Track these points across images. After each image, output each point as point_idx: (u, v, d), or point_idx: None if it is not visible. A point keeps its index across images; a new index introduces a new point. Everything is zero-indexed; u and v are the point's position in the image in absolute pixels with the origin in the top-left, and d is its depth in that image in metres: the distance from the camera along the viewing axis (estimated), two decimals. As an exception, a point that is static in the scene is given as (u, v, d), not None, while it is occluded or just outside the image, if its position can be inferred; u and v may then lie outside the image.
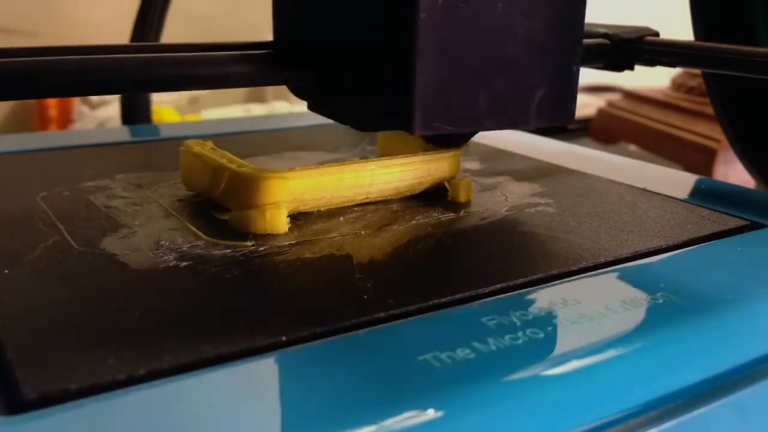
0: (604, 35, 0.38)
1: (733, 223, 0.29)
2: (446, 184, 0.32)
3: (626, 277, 0.24)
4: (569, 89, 0.23)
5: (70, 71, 0.23)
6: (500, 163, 0.39)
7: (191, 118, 0.95)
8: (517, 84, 0.22)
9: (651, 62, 0.37)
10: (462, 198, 0.32)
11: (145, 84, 0.26)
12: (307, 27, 0.26)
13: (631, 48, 0.37)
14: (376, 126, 0.24)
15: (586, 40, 0.38)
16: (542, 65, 0.22)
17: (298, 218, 0.29)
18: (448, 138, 0.27)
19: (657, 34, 0.38)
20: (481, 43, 0.21)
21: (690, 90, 0.92)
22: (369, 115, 0.24)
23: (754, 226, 0.29)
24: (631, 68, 0.38)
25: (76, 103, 0.96)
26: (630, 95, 1.01)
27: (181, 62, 0.25)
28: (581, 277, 0.24)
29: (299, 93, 0.27)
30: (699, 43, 0.37)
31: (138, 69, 0.24)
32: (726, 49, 0.34)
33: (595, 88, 1.32)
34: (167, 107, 0.92)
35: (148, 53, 0.25)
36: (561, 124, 0.23)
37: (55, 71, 0.23)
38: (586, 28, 0.41)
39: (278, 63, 0.26)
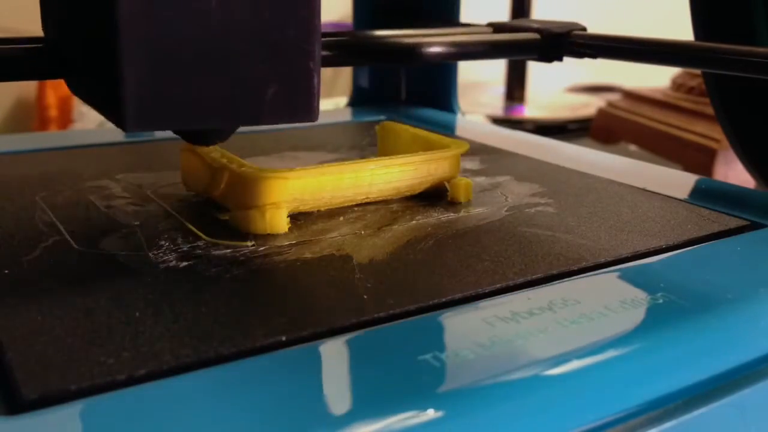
0: (537, 30, 0.41)
1: (733, 223, 0.29)
2: (446, 184, 0.32)
3: (626, 277, 0.24)
4: (307, 86, 0.22)
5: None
6: (500, 163, 0.39)
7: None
8: (244, 80, 0.21)
9: (578, 54, 0.40)
10: (462, 198, 0.32)
11: None
12: (54, 22, 0.26)
13: (560, 41, 0.40)
14: (117, 125, 0.24)
15: (519, 35, 0.41)
16: (272, 62, 0.21)
17: (298, 218, 0.29)
18: (203, 135, 0.26)
19: (584, 29, 0.41)
20: (196, 38, 0.20)
21: (690, 90, 0.92)
22: (108, 113, 0.23)
23: (754, 226, 0.29)
24: (560, 59, 0.41)
25: (76, 103, 0.96)
26: (630, 95, 1.01)
27: None
28: (581, 277, 0.24)
29: (70, 88, 0.28)
30: (622, 36, 0.39)
31: None
32: (648, 41, 0.37)
33: (595, 88, 1.32)
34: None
35: None
36: (302, 121, 0.22)
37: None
38: (520, 24, 0.42)
39: (42, 58, 0.27)
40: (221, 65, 0.21)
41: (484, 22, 0.46)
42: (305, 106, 0.22)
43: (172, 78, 0.20)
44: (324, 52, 0.34)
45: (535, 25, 0.42)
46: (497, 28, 0.43)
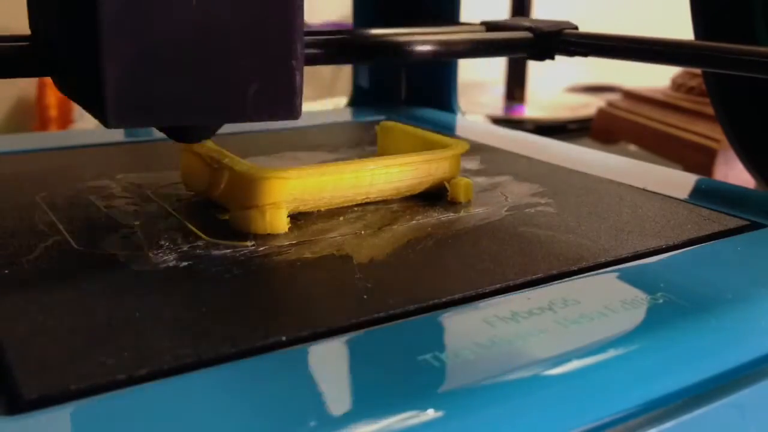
0: (528, 29, 0.41)
1: (733, 223, 0.29)
2: (446, 184, 0.32)
3: (626, 277, 0.24)
4: (289, 84, 0.22)
5: None
6: (500, 163, 0.39)
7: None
8: (226, 78, 0.21)
9: (569, 53, 0.40)
10: (462, 198, 0.32)
11: None
12: (43, 21, 0.26)
13: (551, 40, 0.41)
14: (99, 120, 0.24)
15: (511, 33, 0.41)
16: (253, 59, 0.21)
17: (298, 218, 0.29)
18: (187, 131, 0.26)
19: (576, 28, 0.41)
20: (178, 35, 0.20)
21: (690, 90, 0.92)
22: (92, 109, 0.23)
23: (754, 226, 0.29)
24: (552, 58, 0.41)
25: (76, 103, 0.96)
26: (630, 95, 1.01)
27: None
28: (581, 277, 0.24)
29: (57, 86, 0.28)
30: (608, 34, 0.39)
31: None
32: (642, 40, 0.37)
33: (595, 88, 1.32)
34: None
35: None
36: (284, 119, 0.22)
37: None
38: (513, 23, 0.42)
39: (29, 56, 0.27)
40: (202, 63, 0.21)
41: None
42: (287, 104, 0.22)
43: (153, 75, 0.20)
44: (311, 50, 0.34)
45: (527, 24, 0.42)
46: (490, 26, 0.43)
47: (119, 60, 0.20)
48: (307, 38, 0.34)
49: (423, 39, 0.38)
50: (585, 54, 0.40)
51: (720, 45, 0.34)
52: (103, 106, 0.20)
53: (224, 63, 0.21)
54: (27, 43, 0.27)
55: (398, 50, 0.37)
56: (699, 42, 0.37)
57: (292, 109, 0.22)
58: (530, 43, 0.41)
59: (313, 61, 0.35)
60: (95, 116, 0.22)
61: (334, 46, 0.36)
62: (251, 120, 0.22)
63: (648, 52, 0.37)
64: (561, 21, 0.42)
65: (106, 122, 0.20)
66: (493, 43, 0.41)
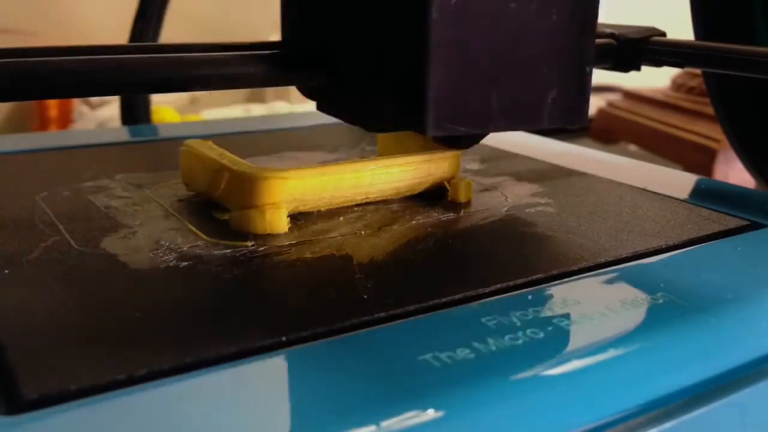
0: (611, 35, 0.38)
1: (733, 223, 0.29)
2: (446, 184, 0.32)
3: (626, 277, 0.24)
4: (582, 90, 0.23)
5: (80, 71, 0.23)
6: (500, 163, 0.39)
7: (191, 118, 0.95)
8: (530, 84, 0.22)
9: (657, 62, 0.37)
10: (462, 198, 0.32)
11: (150, 85, 0.26)
12: (316, 26, 0.26)
13: (637, 48, 0.37)
14: (388, 127, 0.24)
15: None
16: (555, 65, 0.22)
17: (298, 218, 0.29)
18: (459, 139, 0.27)
19: (664, 34, 0.38)
20: (494, 43, 0.21)
21: (690, 90, 0.92)
22: (380, 115, 0.24)
23: (754, 226, 0.29)
24: (638, 68, 0.38)
25: (76, 103, 0.96)
26: (630, 95, 1.01)
27: (187, 63, 0.25)
28: (581, 277, 0.24)
29: (308, 93, 0.27)
30: (704, 43, 0.37)
31: (145, 70, 0.24)
32: (730, 50, 0.34)
33: (595, 88, 1.32)
34: (167, 107, 0.92)
35: (152, 53, 0.25)
36: (573, 125, 0.23)
37: (66, 71, 0.23)
38: None
39: (286, 63, 0.26)
40: (513, 71, 0.21)
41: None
42: (578, 109, 0.23)
43: (470, 83, 0.21)
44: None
45: (609, 30, 0.38)
46: None
47: (441, 69, 0.20)
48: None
49: None
50: (679, 65, 0.37)
51: (720, 45, 0.34)
52: (423, 113, 0.21)
53: (531, 71, 0.22)
54: (277, 51, 0.26)
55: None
56: (699, 42, 0.37)
57: (582, 114, 0.23)
58: (614, 51, 0.37)
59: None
60: (365, 127, 0.23)
61: None
62: (547, 126, 0.23)
63: (742, 62, 0.34)
64: (647, 27, 0.38)
65: (424, 128, 0.21)
66: None
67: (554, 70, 0.22)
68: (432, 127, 0.21)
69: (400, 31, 0.21)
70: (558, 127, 0.23)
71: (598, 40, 0.37)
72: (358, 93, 0.25)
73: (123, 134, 0.48)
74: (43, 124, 0.98)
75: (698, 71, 0.82)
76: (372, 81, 0.23)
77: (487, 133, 0.26)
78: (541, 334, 0.20)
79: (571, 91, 0.22)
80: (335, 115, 0.27)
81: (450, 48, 0.20)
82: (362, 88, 0.24)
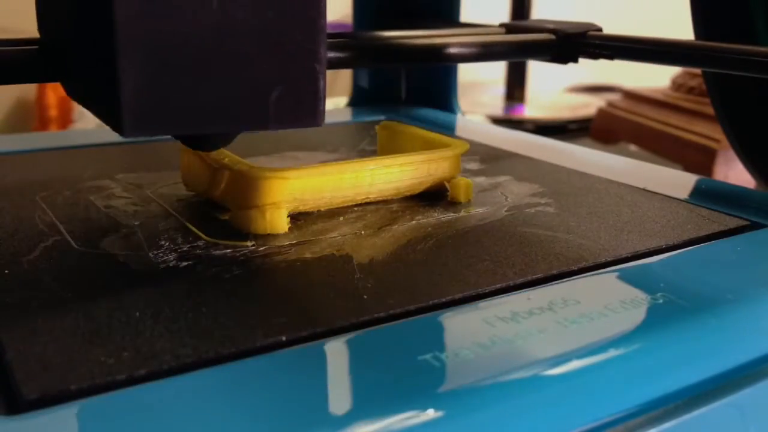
0: (551, 30, 0.40)
1: (733, 223, 0.29)
2: (446, 184, 0.32)
3: (626, 277, 0.24)
4: (313, 89, 0.21)
5: None
6: (500, 163, 0.39)
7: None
8: (247, 83, 0.20)
9: (593, 55, 0.39)
10: (462, 198, 0.32)
11: None
12: (54, 25, 0.25)
13: (575, 42, 0.40)
14: (114, 129, 0.23)
15: (534, 36, 0.40)
16: (276, 64, 0.21)
17: (298, 218, 0.29)
18: (205, 140, 0.25)
19: (600, 30, 0.40)
20: (196, 40, 0.19)
21: (690, 90, 0.92)
22: (105, 117, 0.23)
23: (754, 226, 0.29)
24: (575, 61, 0.40)
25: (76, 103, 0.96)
26: (630, 95, 1.01)
27: None
28: (581, 277, 0.24)
29: (67, 91, 0.27)
30: (638, 36, 0.38)
31: None
32: (658, 42, 0.36)
33: (595, 88, 1.32)
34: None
35: None
36: (308, 125, 0.21)
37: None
38: (534, 24, 0.42)
39: (38, 61, 0.26)
40: (223, 68, 0.20)
41: (484, 22, 0.46)
42: (310, 110, 0.21)
43: (171, 81, 0.19)
44: (332, 54, 0.33)
45: (550, 26, 0.41)
46: (510, 28, 0.42)
47: (135, 65, 0.19)
48: (329, 41, 0.32)
49: (448, 42, 0.37)
50: (610, 57, 0.39)
51: (720, 45, 0.34)
52: (119, 115, 0.19)
53: (245, 68, 0.20)
54: (35, 47, 0.27)
55: (422, 54, 0.37)
56: (699, 42, 0.37)
57: (315, 116, 0.21)
58: (553, 45, 0.40)
59: (336, 65, 0.34)
60: (110, 125, 0.21)
61: (352, 49, 0.35)
62: (273, 128, 0.21)
63: (671, 55, 0.36)
64: (584, 22, 0.41)
65: (121, 131, 0.19)
66: (514, 45, 0.40)
67: (275, 68, 0.21)
68: (129, 130, 0.19)
69: (96, 31, 0.20)
70: (291, 128, 0.21)
71: (539, 35, 0.40)
72: (89, 94, 0.24)
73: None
74: (43, 124, 0.98)
75: (698, 71, 0.82)
76: (91, 82, 0.22)
77: (237, 134, 0.25)
78: (541, 334, 0.20)
79: (300, 91, 0.21)
80: (95, 114, 0.26)
81: (142, 46, 0.19)
82: (88, 89, 0.23)
